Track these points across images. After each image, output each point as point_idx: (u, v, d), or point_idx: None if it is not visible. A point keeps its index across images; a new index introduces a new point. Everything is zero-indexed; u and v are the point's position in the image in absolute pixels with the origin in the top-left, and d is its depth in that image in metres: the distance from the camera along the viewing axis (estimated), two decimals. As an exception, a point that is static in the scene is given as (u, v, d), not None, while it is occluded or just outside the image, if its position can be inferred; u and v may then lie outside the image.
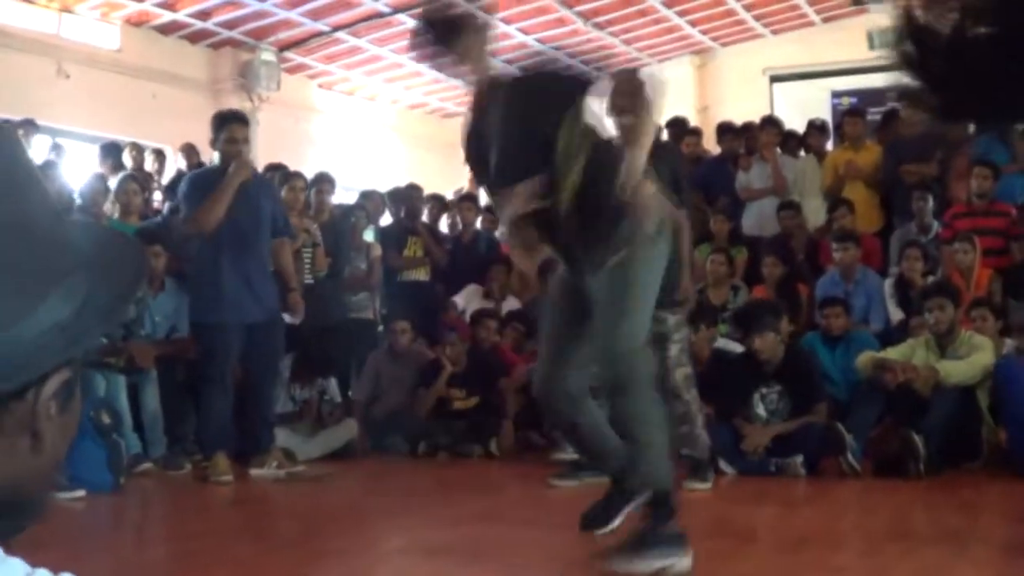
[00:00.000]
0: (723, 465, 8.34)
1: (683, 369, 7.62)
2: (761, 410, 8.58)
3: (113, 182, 10.86)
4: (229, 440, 8.56)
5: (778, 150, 12.71)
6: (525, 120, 4.85)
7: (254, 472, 8.43)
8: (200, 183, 8.76)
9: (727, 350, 9.54)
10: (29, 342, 1.11)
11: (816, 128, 13.26)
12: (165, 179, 13.38)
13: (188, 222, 8.82)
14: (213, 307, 8.39)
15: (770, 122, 13.30)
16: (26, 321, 1.11)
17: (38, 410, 1.15)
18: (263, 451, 8.58)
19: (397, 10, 16.35)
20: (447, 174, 17.15)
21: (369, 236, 12.36)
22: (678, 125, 13.62)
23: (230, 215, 8.39)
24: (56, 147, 13.12)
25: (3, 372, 1.10)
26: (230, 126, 8.59)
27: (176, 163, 13.96)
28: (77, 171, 12.47)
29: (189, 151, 13.65)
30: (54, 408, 1.17)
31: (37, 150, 12.63)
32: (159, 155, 13.77)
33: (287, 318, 9.02)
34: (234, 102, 16.54)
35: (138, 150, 13.51)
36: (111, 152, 12.93)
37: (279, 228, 8.90)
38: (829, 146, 13.25)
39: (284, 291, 8.91)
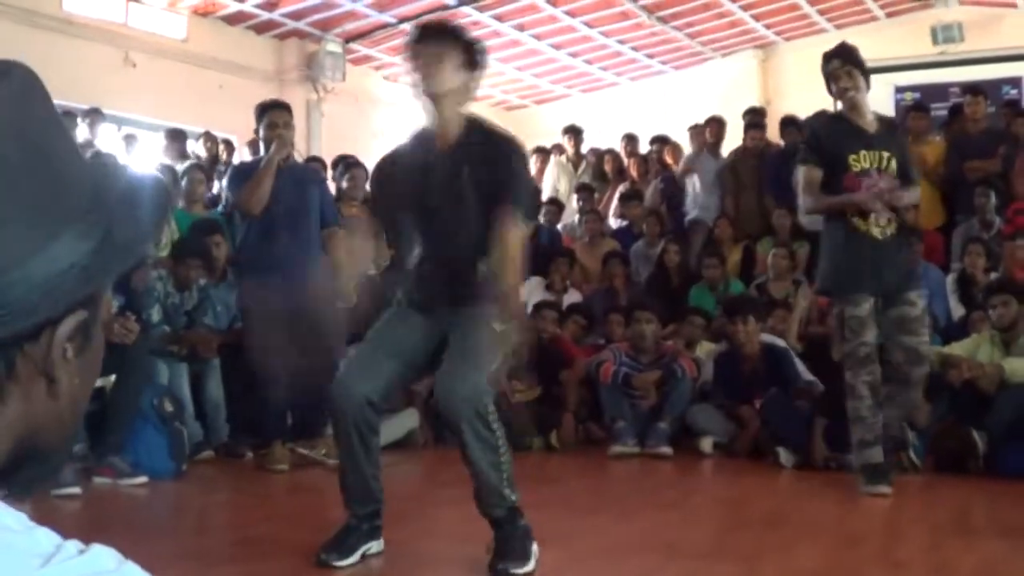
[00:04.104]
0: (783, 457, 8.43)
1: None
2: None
3: (178, 170, 10.96)
4: (285, 429, 8.60)
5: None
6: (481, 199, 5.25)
7: (300, 449, 8.45)
8: (245, 171, 8.87)
9: (774, 344, 9.53)
10: (42, 281, 1.09)
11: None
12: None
13: (234, 206, 8.95)
14: (263, 293, 8.30)
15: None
16: (38, 259, 1.09)
17: (53, 353, 1.13)
18: (314, 435, 8.59)
19: (463, 2, 16.41)
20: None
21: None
22: (753, 114, 13.72)
23: (278, 201, 8.44)
24: (128, 137, 13.22)
25: (15, 312, 1.07)
26: (269, 113, 8.63)
27: (240, 155, 14.06)
28: (144, 160, 12.57)
29: (255, 146, 13.76)
30: (71, 351, 1.15)
31: (104, 138, 12.73)
32: (227, 145, 13.87)
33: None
34: (299, 93, 16.68)
35: (212, 140, 13.63)
36: (176, 138, 13.06)
37: (328, 218, 8.89)
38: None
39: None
